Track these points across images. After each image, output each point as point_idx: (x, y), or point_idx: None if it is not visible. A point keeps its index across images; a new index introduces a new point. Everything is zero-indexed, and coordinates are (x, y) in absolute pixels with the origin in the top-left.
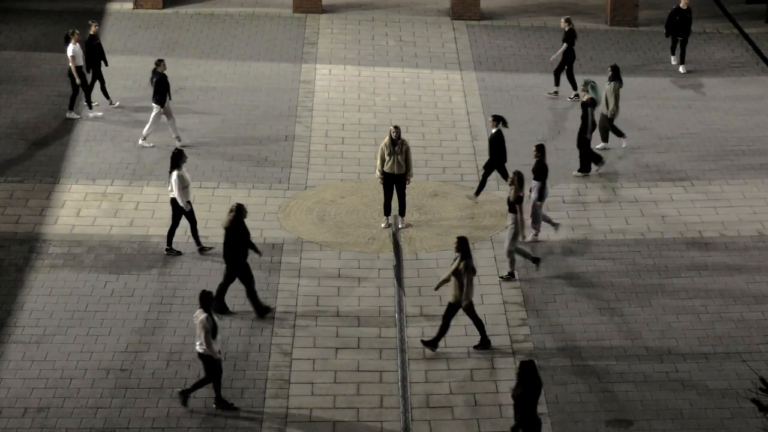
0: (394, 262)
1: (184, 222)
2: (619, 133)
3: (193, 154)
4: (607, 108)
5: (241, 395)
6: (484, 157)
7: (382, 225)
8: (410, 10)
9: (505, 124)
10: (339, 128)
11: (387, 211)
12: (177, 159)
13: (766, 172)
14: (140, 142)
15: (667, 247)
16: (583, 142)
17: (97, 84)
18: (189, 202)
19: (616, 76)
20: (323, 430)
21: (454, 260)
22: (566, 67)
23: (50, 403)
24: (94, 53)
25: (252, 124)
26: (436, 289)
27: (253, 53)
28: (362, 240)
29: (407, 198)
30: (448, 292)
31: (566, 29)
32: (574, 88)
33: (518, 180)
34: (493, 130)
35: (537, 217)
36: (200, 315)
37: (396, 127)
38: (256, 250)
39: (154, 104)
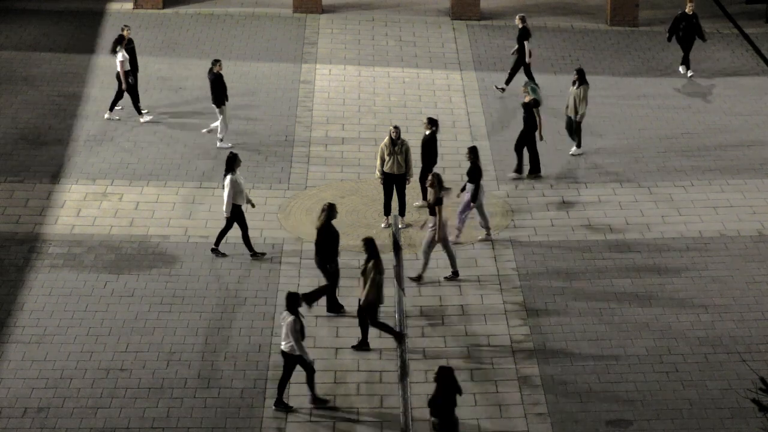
0: (394, 262)
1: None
2: (579, 141)
3: (193, 154)
4: (576, 112)
5: (241, 395)
6: (484, 157)
7: (382, 225)
8: (410, 10)
9: (438, 127)
10: (339, 128)
11: (387, 211)
12: (231, 163)
13: (766, 172)
14: (218, 144)
15: (666, 247)
16: (530, 143)
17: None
18: (242, 205)
19: (582, 80)
20: (323, 430)
21: (365, 261)
22: (522, 64)
23: (50, 403)
24: (129, 57)
25: (252, 124)
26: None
27: (253, 53)
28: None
29: (407, 198)
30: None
31: (520, 27)
32: (507, 82)
33: (438, 182)
34: (427, 132)
35: (483, 216)
36: (287, 317)
37: (396, 127)
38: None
39: (214, 105)
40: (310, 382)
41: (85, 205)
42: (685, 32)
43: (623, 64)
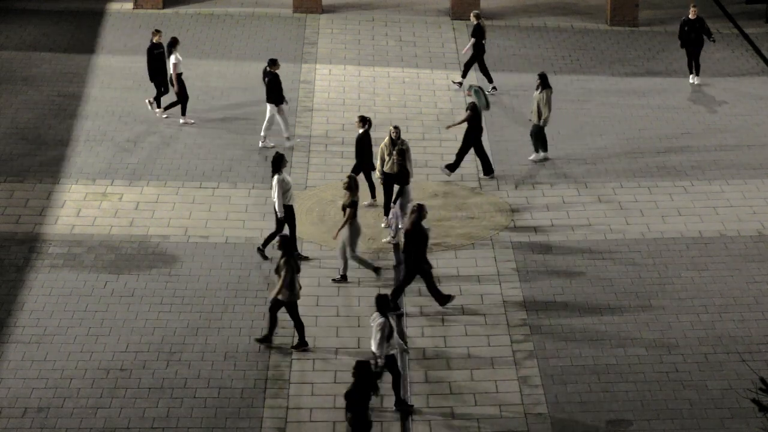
0: (394, 262)
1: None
2: (545, 146)
3: (193, 154)
4: (539, 117)
5: (241, 395)
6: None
7: (382, 225)
8: (410, 10)
9: (370, 125)
10: (339, 128)
11: (387, 211)
12: (278, 163)
13: (766, 172)
14: (260, 144)
15: (667, 247)
16: (476, 145)
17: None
18: (290, 206)
19: (545, 84)
20: (323, 430)
21: (279, 258)
22: (477, 62)
23: (50, 403)
24: (158, 61)
25: (252, 124)
26: (269, 289)
27: (253, 53)
28: (362, 240)
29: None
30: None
31: (474, 24)
32: (490, 81)
33: (354, 184)
34: (360, 131)
35: (398, 219)
36: (377, 318)
37: (396, 127)
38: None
39: (269, 104)
40: (396, 385)
41: (85, 205)
42: (690, 37)
43: (623, 63)
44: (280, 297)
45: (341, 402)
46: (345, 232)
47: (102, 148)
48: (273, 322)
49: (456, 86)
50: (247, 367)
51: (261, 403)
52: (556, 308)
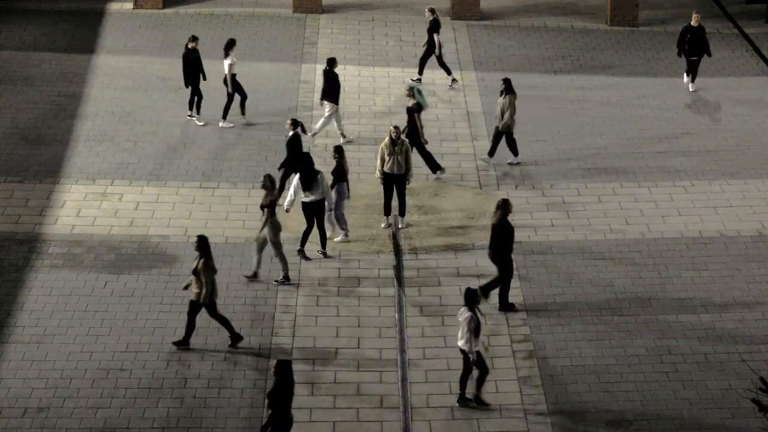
0: (394, 262)
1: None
2: (515, 150)
3: (193, 154)
4: (500, 121)
5: (241, 395)
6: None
7: (382, 225)
8: (410, 10)
9: (303, 129)
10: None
11: (387, 211)
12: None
13: (766, 172)
14: (310, 137)
15: (667, 247)
16: (418, 146)
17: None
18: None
19: (510, 89)
20: (323, 430)
21: (195, 259)
22: (435, 56)
23: (50, 403)
24: (194, 66)
25: (252, 124)
26: (185, 288)
27: (253, 53)
28: (362, 240)
29: (407, 198)
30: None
31: (430, 19)
32: (449, 73)
33: (271, 183)
34: (290, 133)
35: (340, 218)
36: (465, 313)
37: (396, 127)
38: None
39: (326, 102)
40: (480, 381)
41: (85, 205)
42: (691, 45)
43: (623, 64)
44: (203, 299)
45: (341, 402)
46: (267, 231)
47: (102, 148)
48: (191, 325)
49: (416, 82)
50: (247, 367)
51: (261, 403)
52: (556, 308)
